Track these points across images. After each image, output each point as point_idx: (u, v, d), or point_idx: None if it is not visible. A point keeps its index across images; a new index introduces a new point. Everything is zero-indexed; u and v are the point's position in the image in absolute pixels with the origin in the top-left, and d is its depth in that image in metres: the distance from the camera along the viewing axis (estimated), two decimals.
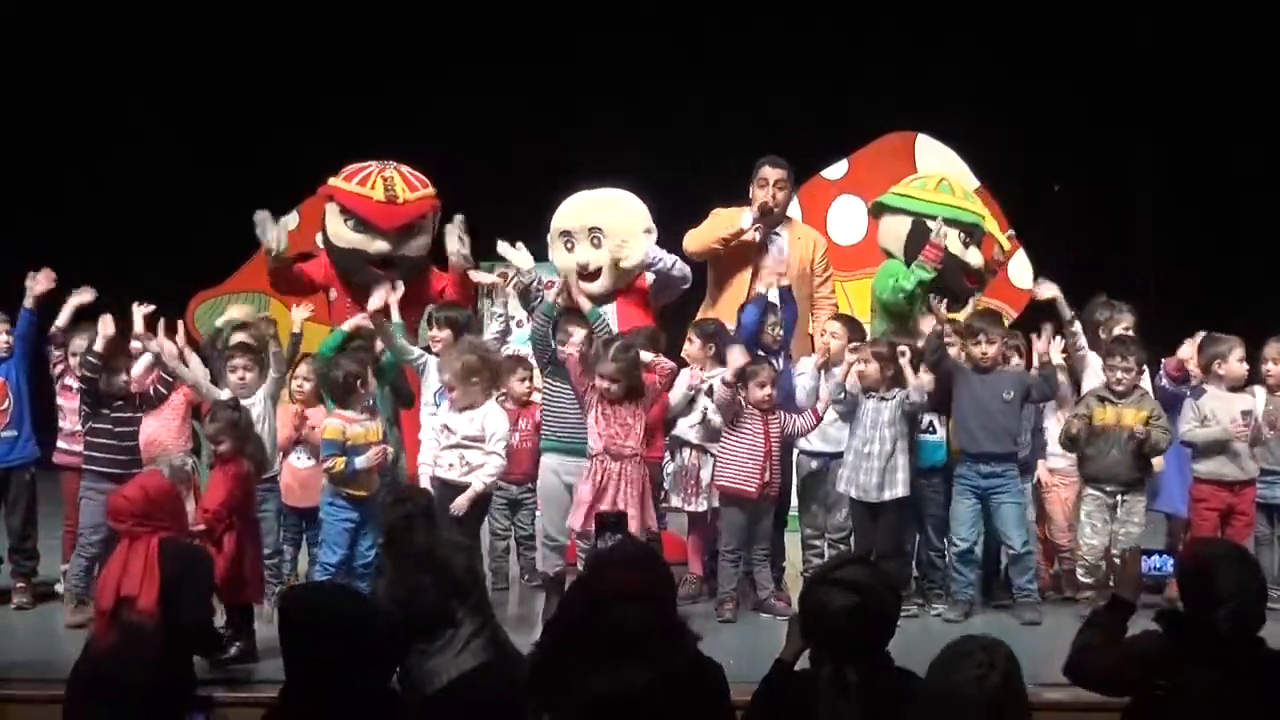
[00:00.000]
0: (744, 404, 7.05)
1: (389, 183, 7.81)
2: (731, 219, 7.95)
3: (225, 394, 6.97)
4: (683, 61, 11.59)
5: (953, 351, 7.21)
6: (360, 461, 6.64)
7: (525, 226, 7.96)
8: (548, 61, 11.89)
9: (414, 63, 11.83)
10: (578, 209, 7.91)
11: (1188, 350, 7.40)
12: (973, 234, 7.80)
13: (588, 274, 7.64)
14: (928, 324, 7.28)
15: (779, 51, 11.52)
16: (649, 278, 7.81)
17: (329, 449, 6.67)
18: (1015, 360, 7.33)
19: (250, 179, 10.30)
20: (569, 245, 7.75)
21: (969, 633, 3.70)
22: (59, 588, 7.25)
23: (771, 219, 7.96)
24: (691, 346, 7.51)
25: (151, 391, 7.11)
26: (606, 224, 7.75)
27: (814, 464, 7.40)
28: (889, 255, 7.91)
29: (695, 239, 8.03)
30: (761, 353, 7.32)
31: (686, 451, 7.42)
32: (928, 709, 3.53)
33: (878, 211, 8.13)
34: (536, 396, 7.44)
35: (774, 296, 7.54)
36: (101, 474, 7.06)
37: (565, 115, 11.80)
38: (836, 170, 9.61)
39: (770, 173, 7.95)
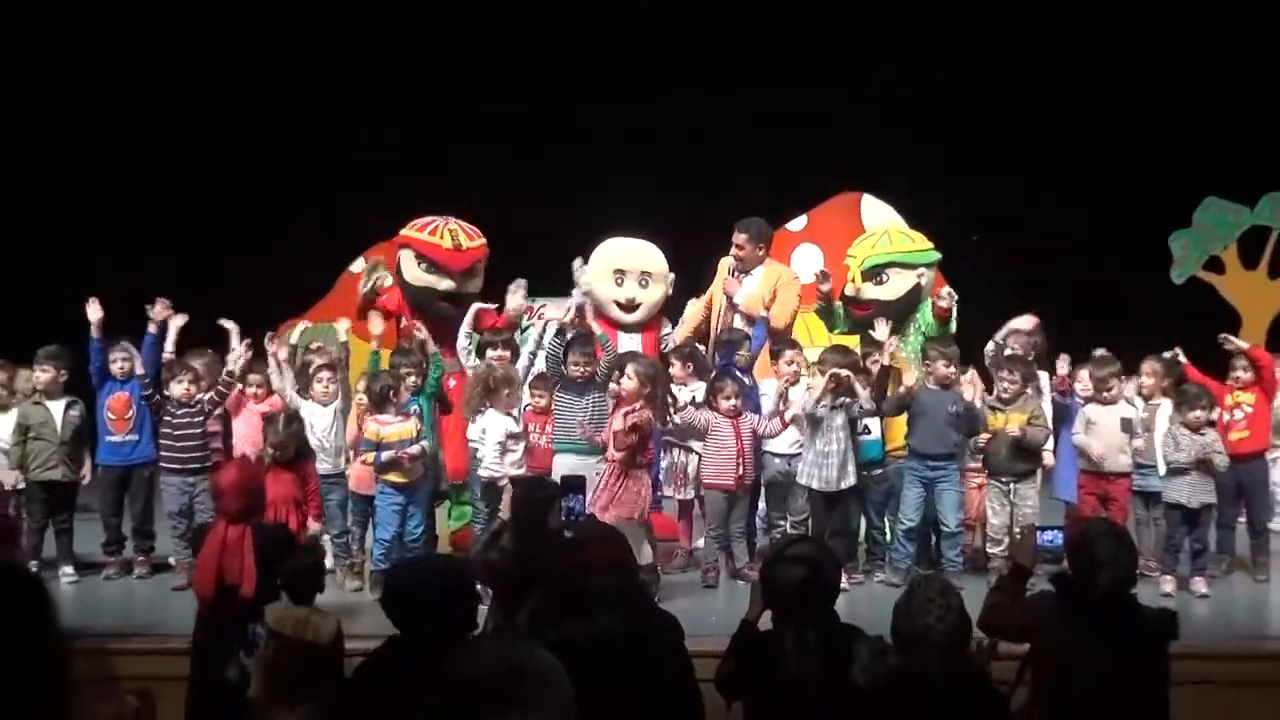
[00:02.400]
0: (715, 414, 7.11)
1: (454, 234, 7.95)
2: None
3: (302, 403, 7.15)
4: (669, 128, 11.10)
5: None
6: (384, 455, 6.73)
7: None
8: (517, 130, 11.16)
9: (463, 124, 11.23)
10: (631, 253, 8.09)
11: (1063, 368, 7.45)
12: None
13: (631, 307, 7.79)
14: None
15: (751, 124, 11.23)
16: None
17: (366, 446, 6.81)
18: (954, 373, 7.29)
19: (324, 228, 10.33)
20: (619, 281, 7.87)
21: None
22: (171, 560, 7.29)
23: (742, 266, 8.05)
24: (675, 369, 7.57)
25: (209, 399, 7.19)
26: (656, 270, 7.93)
27: (777, 462, 7.38)
28: None
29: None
30: (735, 370, 7.39)
31: (675, 450, 7.49)
32: (903, 649, 3.66)
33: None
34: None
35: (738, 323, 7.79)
36: (168, 469, 7.19)
37: (540, 182, 10.94)
38: (798, 224, 9.65)
39: (735, 236, 8.03)
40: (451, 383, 7.55)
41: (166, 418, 7.18)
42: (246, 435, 7.28)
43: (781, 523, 7.42)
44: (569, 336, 7.37)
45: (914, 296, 7.78)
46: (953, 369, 7.15)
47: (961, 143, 10.74)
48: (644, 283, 8.01)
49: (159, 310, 7.37)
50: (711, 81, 10.99)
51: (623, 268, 8.01)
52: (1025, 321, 7.62)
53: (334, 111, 11.11)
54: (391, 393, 6.84)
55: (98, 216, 11.17)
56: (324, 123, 11.07)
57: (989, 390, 7.36)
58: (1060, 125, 10.79)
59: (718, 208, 8.75)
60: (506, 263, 8.20)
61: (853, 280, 7.80)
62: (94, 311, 7.24)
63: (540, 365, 7.43)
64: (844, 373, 7.02)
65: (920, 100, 11.09)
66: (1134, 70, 10.60)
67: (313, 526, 6.51)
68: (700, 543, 7.45)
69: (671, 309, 8.30)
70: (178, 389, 7.13)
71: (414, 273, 7.97)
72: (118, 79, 10.74)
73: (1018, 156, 10.81)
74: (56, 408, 7.35)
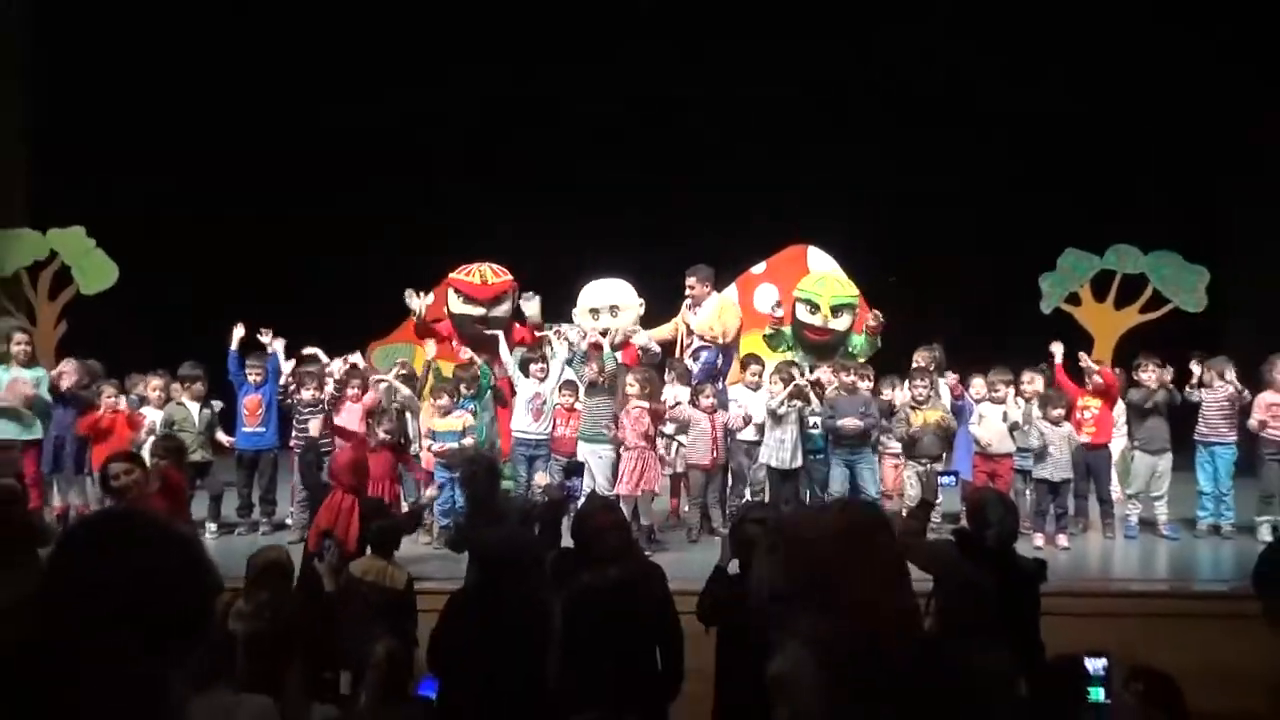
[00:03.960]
0: (697, 411, 7.19)
1: (482, 273, 7.95)
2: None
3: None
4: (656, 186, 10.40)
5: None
6: (436, 447, 6.88)
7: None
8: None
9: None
10: (600, 292, 8.05)
11: (953, 378, 7.53)
12: (813, 306, 7.80)
13: (606, 333, 7.82)
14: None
15: (726, 187, 10.54)
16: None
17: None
18: (866, 384, 7.34)
19: (398, 268, 10.01)
20: (595, 316, 7.90)
21: None
22: (288, 520, 7.37)
23: (694, 302, 8.01)
24: (668, 377, 7.60)
25: (328, 401, 7.30)
26: (622, 300, 7.93)
27: (745, 447, 7.45)
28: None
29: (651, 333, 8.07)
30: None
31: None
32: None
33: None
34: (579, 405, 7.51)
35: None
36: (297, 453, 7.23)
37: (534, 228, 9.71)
38: (759, 268, 9.64)
39: (687, 280, 8.01)
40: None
41: (297, 415, 7.35)
42: (349, 426, 7.26)
43: (746, 492, 7.47)
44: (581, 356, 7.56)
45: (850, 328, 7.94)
46: (854, 378, 7.21)
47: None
48: (614, 313, 8.02)
49: (269, 338, 7.65)
50: (712, 81, 9.71)
51: (595, 306, 8.05)
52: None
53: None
54: (447, 398, 7.00)
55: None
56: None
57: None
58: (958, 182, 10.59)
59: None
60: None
61: (824, 315, 7.81)
62: (238, 332, 7.54)
63: (569, 374, 7.46)
64: (804, 382, 7.08)
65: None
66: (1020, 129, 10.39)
67: (428, 493, 6.56)
68: (685, 508, 7.46)
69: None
70: (305, 394, 7.31)
71: (455, 304, 8.00)
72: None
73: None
74: (194, 407, 7.49)
